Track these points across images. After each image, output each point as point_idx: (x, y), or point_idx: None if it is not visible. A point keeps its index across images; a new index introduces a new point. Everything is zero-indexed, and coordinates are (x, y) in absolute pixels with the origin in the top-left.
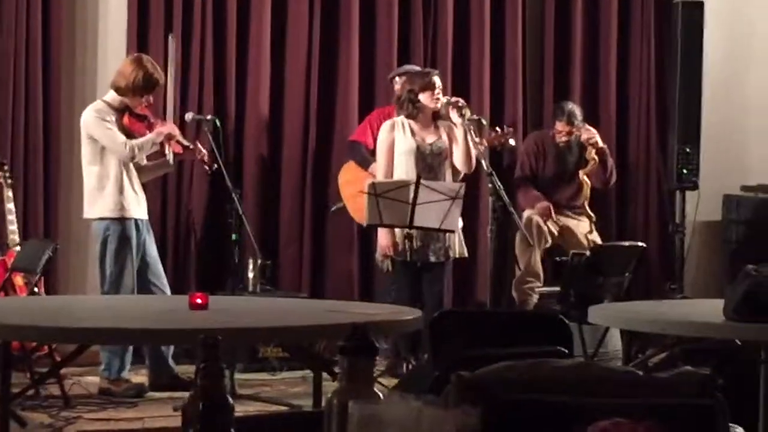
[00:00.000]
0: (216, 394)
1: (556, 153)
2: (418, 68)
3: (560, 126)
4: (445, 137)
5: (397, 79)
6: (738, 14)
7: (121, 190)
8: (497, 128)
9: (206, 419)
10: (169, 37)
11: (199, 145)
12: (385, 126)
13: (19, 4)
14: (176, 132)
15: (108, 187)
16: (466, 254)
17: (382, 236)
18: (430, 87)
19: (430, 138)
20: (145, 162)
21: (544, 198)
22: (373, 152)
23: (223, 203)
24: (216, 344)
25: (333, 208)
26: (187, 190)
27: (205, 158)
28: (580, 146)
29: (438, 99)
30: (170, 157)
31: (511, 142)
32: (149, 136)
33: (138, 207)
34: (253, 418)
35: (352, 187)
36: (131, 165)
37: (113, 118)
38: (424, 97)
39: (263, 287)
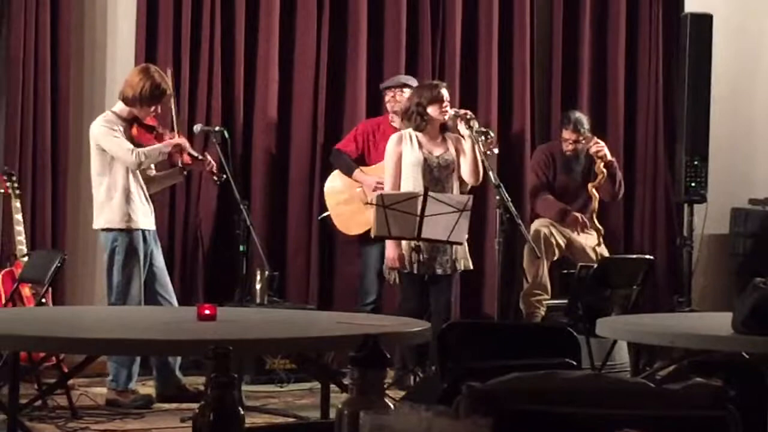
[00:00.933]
0: (227, 404)
1: (564, 163)
2: (410, 78)
3: (567, 134)
4: (452, 149)
5: (388, 90)
6: (746, 27)
7: (128, 201)
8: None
9: (217, 430)
10: (168, 72)
11: (209, 156)
12: (393, 139)
13: (28, 16)
14: (186, 144)
15: (116, 198)
16: (471, 267)
17: (390, 248)
18: (438, 100)
19: (437, 150)
20: (154, 172)
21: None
22: (356, 162)
23: (231, 214)
24: (227, 354)
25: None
26: (195, 202)
27: (214, 169)
28: (588, 158)
29: (446, 111)
30: (180, 163)
31: (495, 150)
32: (158, 145)
33: (145, 218)
34: (263, 429)
35: (336, 197)
36: (139, 176)
37: (121, 129)
38: (432, 110)
39: (271, 298)
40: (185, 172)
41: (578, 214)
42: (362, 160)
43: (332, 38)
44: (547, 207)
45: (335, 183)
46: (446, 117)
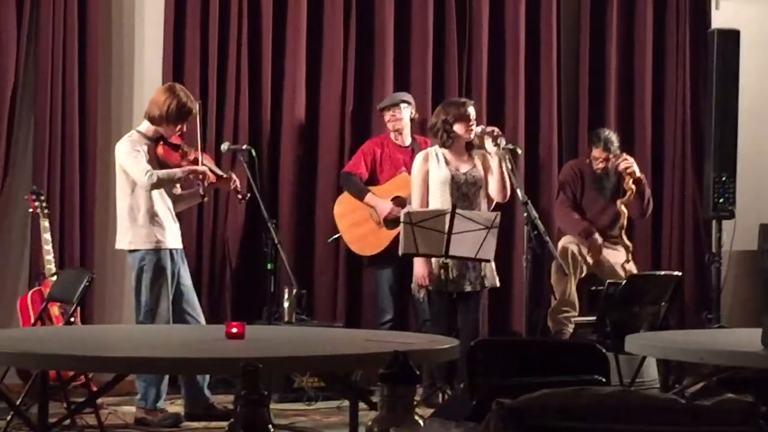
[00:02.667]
0: (257, 421)
1: (594, 180)
2: (406, 94)
3: (597, 152)
4: (479, 166)
5: (386, 110)
6: None
7: (154, 221)
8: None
9: None
10: (197, 104)
11: (233, 175)
12: (419, 157)
13: (56, 37)
14: (207, 169)
15: (140, 218)
16: (498, 284)
17: (418, 266)
18: (464, 118)
19: (464, 167)
20: (179, 191)
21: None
22: (367, 183)
23: (259, 233)
24: (257, 371)
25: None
26: (222, 220)
27: (238, 187)
28: (617, 175)
29: (472, 130)
30: (201, 190)
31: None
32: (176, 170)
33: (172, 237)
34: None
35: (347, 219)
36: (166, 194)
37: (145, 148)
38: (458, 128)
39: (299, 317)
40: (205, 198)
41: (599, 240)
42: (372, 180)
43: (359, 56)
44: (571, 224)
45: (343, 206)
46: (472, 135)
